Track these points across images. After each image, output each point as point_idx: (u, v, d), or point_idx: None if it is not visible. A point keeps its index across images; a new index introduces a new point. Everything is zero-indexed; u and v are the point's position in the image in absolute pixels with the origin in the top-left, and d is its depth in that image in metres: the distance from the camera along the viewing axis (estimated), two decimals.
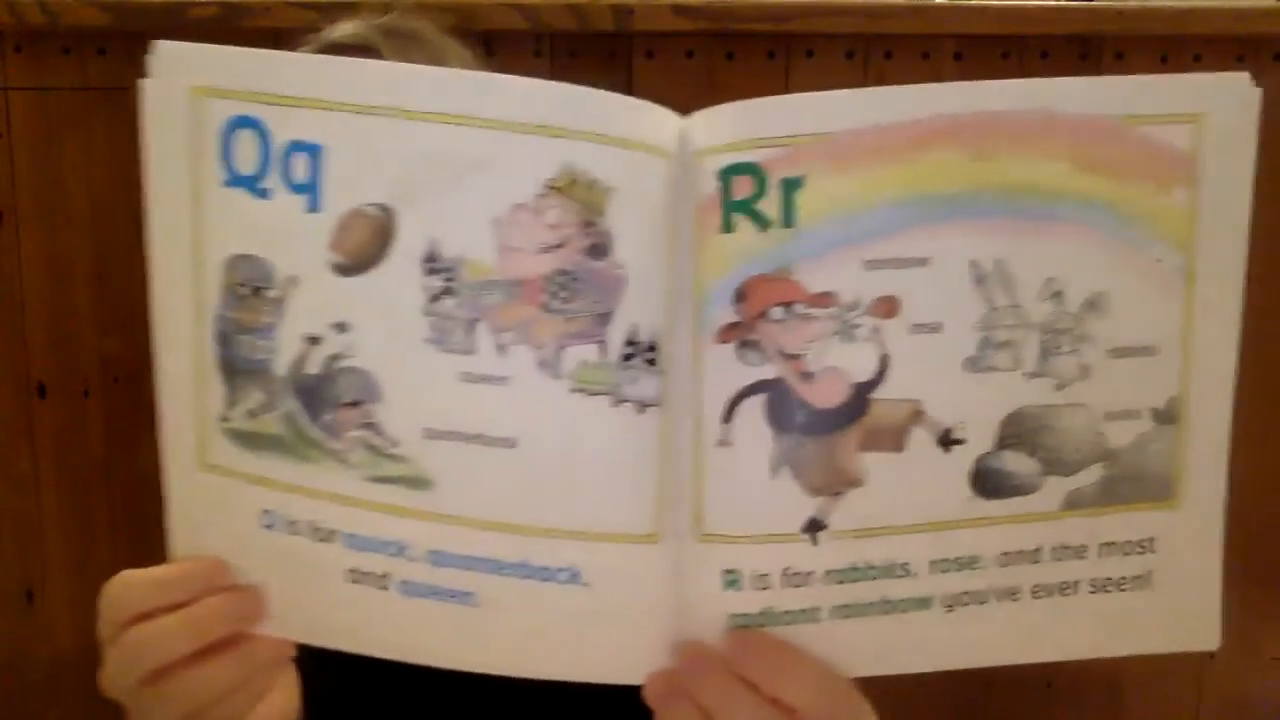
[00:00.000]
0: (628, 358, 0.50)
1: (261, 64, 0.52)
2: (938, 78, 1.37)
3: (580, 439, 0.51)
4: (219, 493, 0.55)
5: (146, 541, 1.42)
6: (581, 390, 0.51)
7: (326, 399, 0.52)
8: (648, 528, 0.52)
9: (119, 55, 1.34)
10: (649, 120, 0.51)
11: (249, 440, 0.54)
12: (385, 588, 0.53)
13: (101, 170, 1.36)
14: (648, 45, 1.35)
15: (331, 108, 0.50)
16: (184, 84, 0.53)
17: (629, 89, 1.35)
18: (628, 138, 0.50)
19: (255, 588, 0.55)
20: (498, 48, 1.30)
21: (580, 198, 0.49)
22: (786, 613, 0.53)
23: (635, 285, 0.50)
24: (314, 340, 0.52)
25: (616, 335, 0.50)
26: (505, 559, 0.52)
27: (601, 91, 0.50)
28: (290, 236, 0.52)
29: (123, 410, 1.40)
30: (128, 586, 0.56)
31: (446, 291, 0.50)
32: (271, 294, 0.52)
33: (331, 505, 0.53)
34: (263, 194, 0.52)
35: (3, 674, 1.45)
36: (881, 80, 1.37)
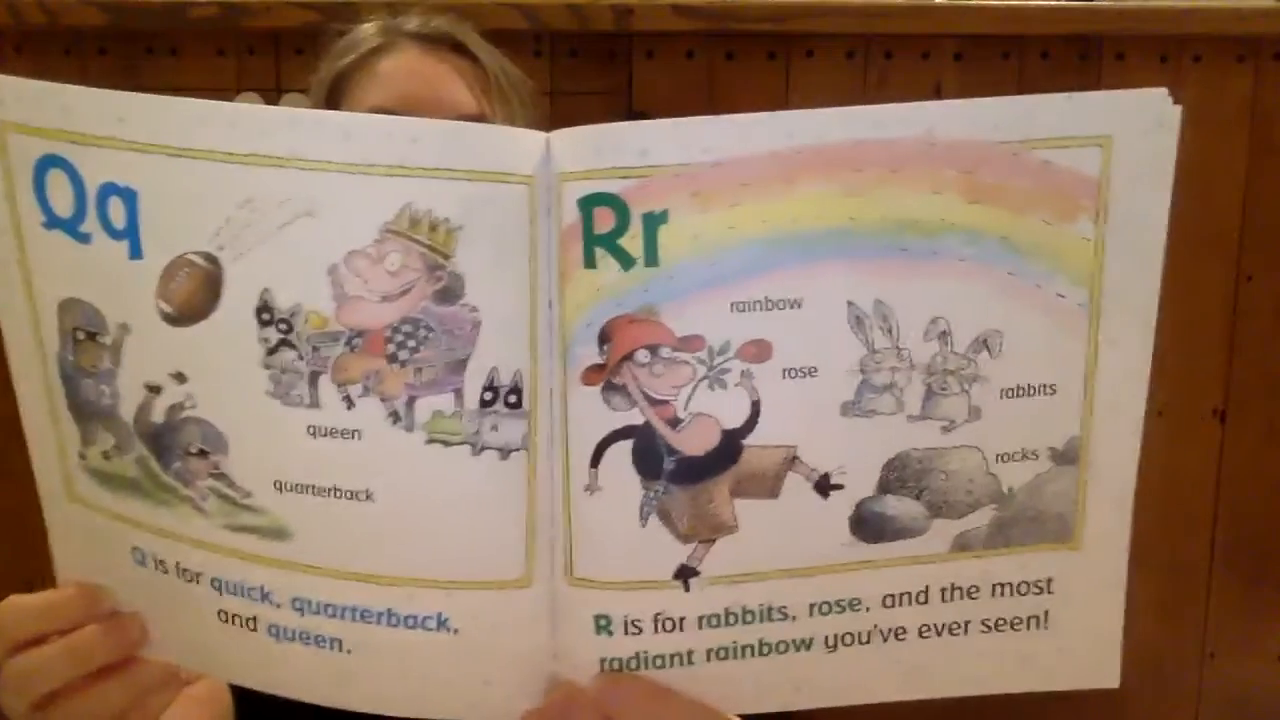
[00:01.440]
0: (487, 404, 0.48)
1: (65, 100, 0.48)
2: (938, 78, 1.37)
3: (440, 490, 0.49)
4: (89, 526, 0.54)
5: None
6: (438, 441, 0.48)
7: (173, 447, 0.50)
8: (517, 573, 0.50)
9: (119, 55, 1.34)
10: (503, 147, 0.46)
11: (107, 480, 0.52)
12: (254, 630, 0.52)
13: None
14: (648, 45, 1.35)
15: (144, 149, 0.46)
16: None
17: (629, 89, 1.35)
18: (476, 169, 0.46)
19: (137, 614, 0.54)
20: (497, 48, 1.30)
21: (424, 240, 0.46)
22: (659, 657, 0.51)
23: (492, 327, 0.47)
24: (154, 389, 0.49)
25: (473, 382, 0.47)
26: (371, 608, 0.50)
27: (445, 122, 0.47)
28: (116, 284, 0.48)
29: None
30: (12, 613, 0.56)
31: (284, 343, 0.47)
32: (106, 340, 0.49)
33: (194, 549, 0.51)
34: (83, 238, 0.48)
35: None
36: (883, 80, 1.37)
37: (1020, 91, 1.45)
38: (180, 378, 0.49)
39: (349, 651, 0.51)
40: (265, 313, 0.47)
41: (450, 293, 0.47)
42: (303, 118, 0.46)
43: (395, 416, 0.47)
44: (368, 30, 0.96)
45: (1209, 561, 1.49)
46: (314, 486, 0.48)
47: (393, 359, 0.47)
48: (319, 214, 0.46)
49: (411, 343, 0.47)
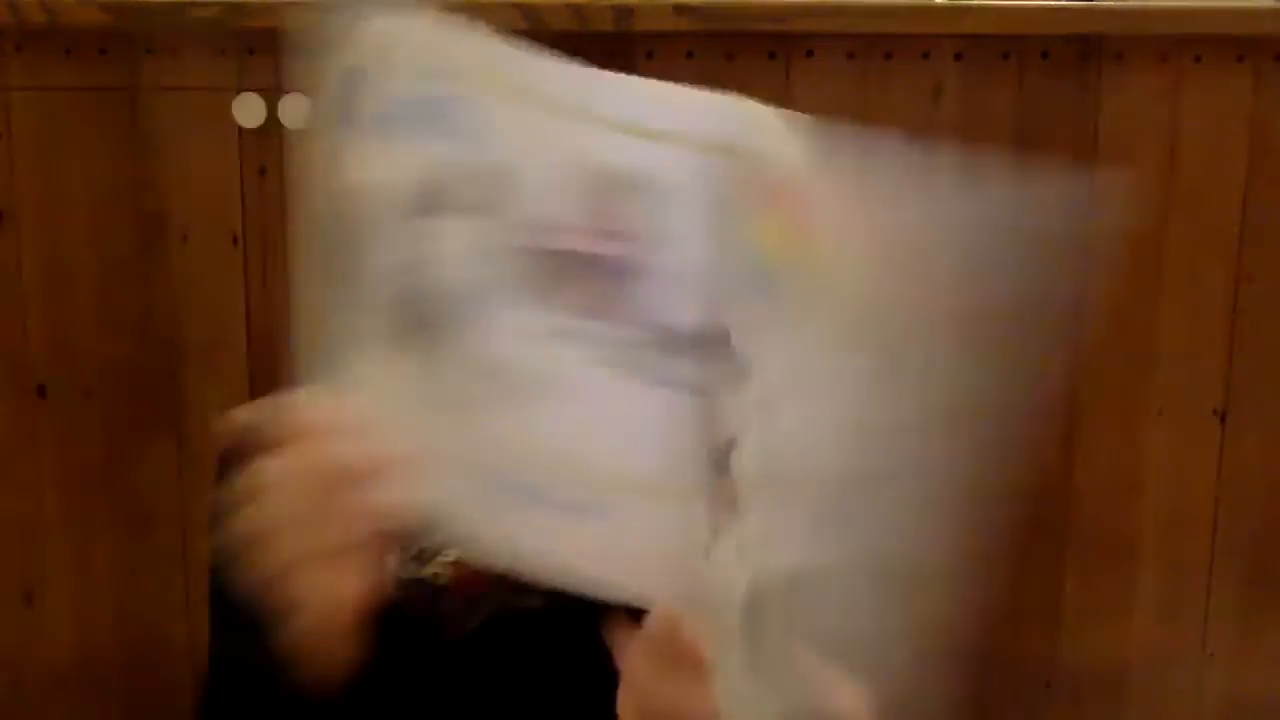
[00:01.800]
0: (671, 346, 0.52)
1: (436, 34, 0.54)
2: (938, 78, 1.37)
3: (618, 409, 0.53)
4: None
5: (146, 542, 1.42)
6: (618, 367, 0.52)
7: (420, 317, 0.55)
8: (678, 491, 0.53)
9: (119, 55, 1.34)
10: (735, 121, 0.52)
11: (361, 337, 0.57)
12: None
13: (101, 170, 1.36)
14: (648, 45, 1.35)
15: (482, 87, 0.53)
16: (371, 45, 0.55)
17: None
18: (705, 140, 0.51)
19: (397, 451, 0.55)
20: None
21: (634, 193, 0.51)
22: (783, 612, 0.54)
23: (685, 279, 0.52)
24: (408, 265, 0.54)
25: (663, 324, 0.52)
26: (546, 491, 0.54)
27: (675, 91, 0.51)
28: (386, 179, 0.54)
29: (123, 410, 1.40)
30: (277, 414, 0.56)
31: (522, 254, 0.53)
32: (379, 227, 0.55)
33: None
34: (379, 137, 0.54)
35: (2, 674, 1.45)
36: (883, 80, 1.37)
37: (1021, 92, 1.46)
38: (429, 261, 0.54)
39: (523, 534, 0.55)
40: (515, 219, 0.53)
41: (659, 242, 0.52)
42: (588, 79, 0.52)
43: (588, 342, 0.52)
44: None
45: (1209, 561, 1.49)
46: (514, 378, 0.53)
47: (597, 293, 0.52)
48: (573, 159, 0.52)
49: (614, 281, 0.52)
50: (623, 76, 0.52)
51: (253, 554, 0.53)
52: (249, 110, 1.34)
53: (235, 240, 1.37)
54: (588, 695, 0.63)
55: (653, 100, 0.52)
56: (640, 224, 0.52)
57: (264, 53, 1.34)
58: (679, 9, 1.32)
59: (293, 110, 1.34)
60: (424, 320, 0.54)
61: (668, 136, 0.51)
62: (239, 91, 1.34)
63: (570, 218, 0.52)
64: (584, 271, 0.52)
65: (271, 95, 1.34)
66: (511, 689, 0.82)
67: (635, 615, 0.57)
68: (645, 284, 0.52)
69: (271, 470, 0.53)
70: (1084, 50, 1.38)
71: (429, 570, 0.92)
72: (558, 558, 0.55)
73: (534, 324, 0.53)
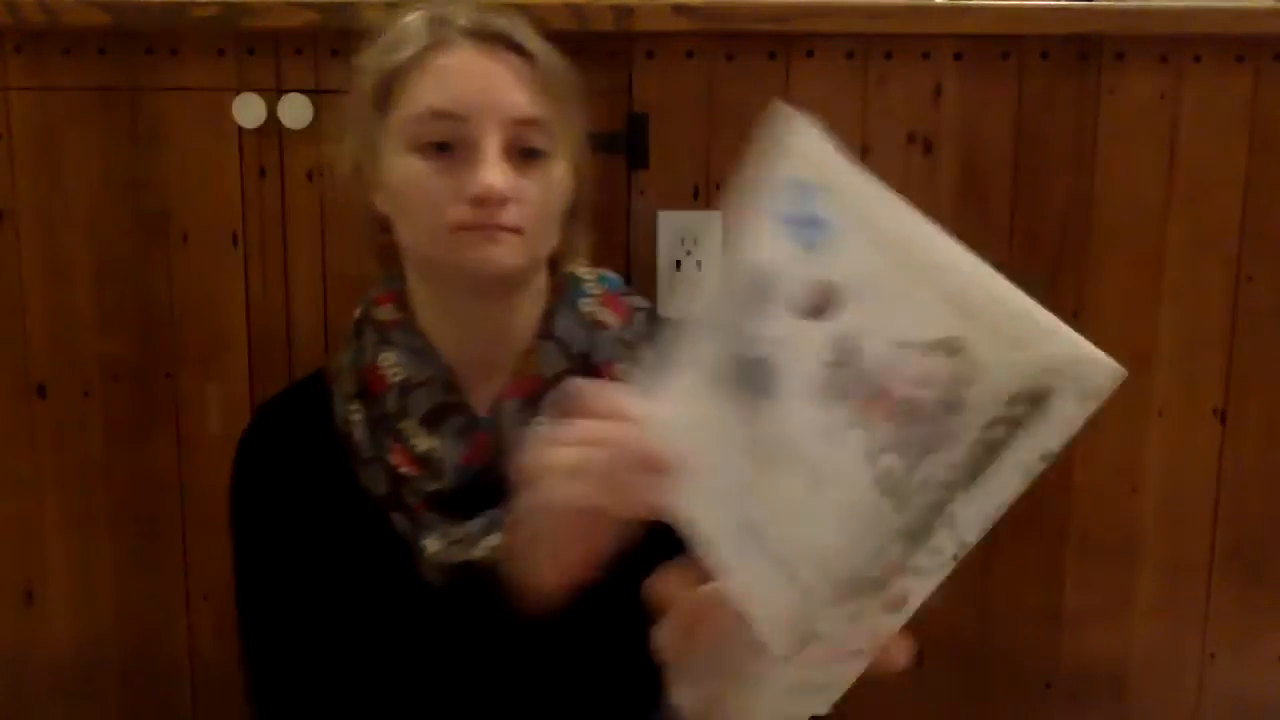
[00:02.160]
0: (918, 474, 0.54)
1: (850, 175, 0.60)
2: (938, 78, 1.37)
3: (855, 505, 0.56)
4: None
5: (146, 541, 1.42)
6: (879, 487, 0.55)
7: (740, 374, 0.63)
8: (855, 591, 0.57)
9: (119, 55, 1.34)
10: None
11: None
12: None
13: (101, 170, 1.36)
14: (648, 45, 1.35)
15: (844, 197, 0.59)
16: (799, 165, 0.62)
17: (629, 89, 1.35)
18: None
19: (683, 462, 0.63)
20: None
21: (953, 365, 0.53)
22: None
23: (956, 435, 0.54)
24: (750, 332, 0.62)
25: (927, 459, 0.54)
26: (780, 551, 0.59)
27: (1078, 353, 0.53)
28: (785, 276, 0.62)
29: (123, 410, 1.40)
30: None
31: (840, 365, 0.58)
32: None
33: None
34: (791, 238, 0.61)
35: (2, 674, 1.46)
36: (882, 81, 1.37)
37: (1021, 92, 1.45)
38: (762, 340, 0.62)
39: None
40: (842, 343, 0.58)
41: (958, 408, 0.53)
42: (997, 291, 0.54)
43: (868, 454, 0.56)
44: (416, 25, 0.95)
45: (1209, 561, 1.49)
46: (792, 454, 0.59)
47: (894, 419, 0.55)
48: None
49: (902, 415, 0.55)
50: (977, 263, 0.54)
51: (539, 479, 0.64)
52: (249, 110, 1.34)
53: (235, 240, 1.38)
54: (631, 679, 0.67)
55: (991, 296, 0.53)
56: (939, 380, 0.53)
57: (264, 53, 1.34)
58: (679, 9, 1.32)
59: (292, 110, 1.34)
60: (741, 378, 0.62)
61: (986, 335, 0.52)
62: (239, 91, 1.34)
63: (879, 354, 0.56)
64: (875, 395, 0.56)
65: (271, 95, 1.34)
66: (556, 668, 0.83)
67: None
68: (925, 426, 0.54)
69: (588, 427, 0.64)
70: (1084, 50, 1.38)
71: (476, 553, 0.93)
72: (761, 605, 0.60)
73: (820, 418, 0.58)
